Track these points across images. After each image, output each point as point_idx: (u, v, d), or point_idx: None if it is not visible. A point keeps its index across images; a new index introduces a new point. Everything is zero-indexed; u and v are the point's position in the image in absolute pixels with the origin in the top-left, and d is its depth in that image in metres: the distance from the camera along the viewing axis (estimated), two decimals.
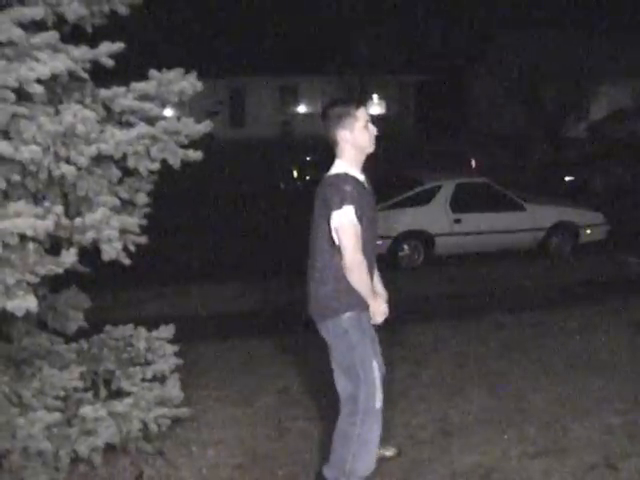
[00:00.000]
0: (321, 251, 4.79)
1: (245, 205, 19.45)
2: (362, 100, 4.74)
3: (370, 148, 4.81)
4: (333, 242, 4.67)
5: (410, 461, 5.52)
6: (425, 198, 13.76)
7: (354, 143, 4.74)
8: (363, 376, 4.75)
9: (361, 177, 4.81)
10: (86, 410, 4.91)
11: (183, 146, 4.86)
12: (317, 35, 42.81)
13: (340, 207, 4.54)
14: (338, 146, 4.79)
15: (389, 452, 5.47)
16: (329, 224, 4.64)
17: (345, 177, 4.66)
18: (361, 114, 4.73)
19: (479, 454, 5.64)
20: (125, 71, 5.64)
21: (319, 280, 4.83)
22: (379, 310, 4.86)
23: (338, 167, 4.78)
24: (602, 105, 37.75)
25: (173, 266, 13.26)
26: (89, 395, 5.10)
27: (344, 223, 4.56)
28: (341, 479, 4.87)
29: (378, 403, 4.78)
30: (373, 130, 4.79)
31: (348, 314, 4.75)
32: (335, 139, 4.78)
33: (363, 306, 4.78)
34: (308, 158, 22.53)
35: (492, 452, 5.67)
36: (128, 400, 5.08)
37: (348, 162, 4.76)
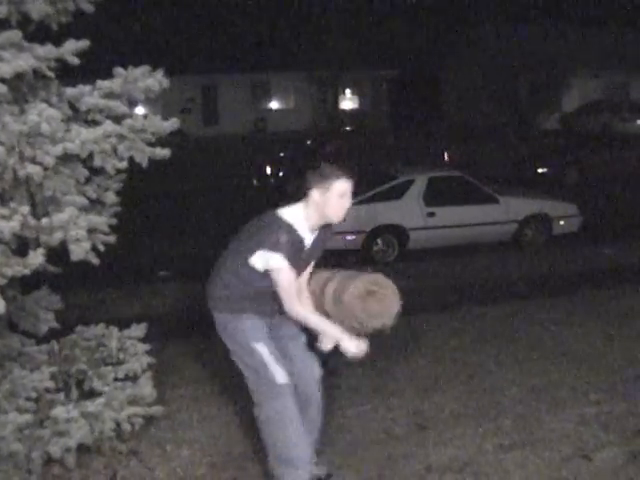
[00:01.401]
0: (234, 271, 4.83)
1: (217, 202, 19.38)
2: (350, 175, 4.67)
3: (335, 220, 4.71)
4: (249, 270, 4.74)
5: (385, 456, 5.50)
6: (398, 192, 13.75)
7: (318, 208, 4.64)
8: (250, 361, 4.82)
9: (308, 236, 4.75)
10: (58, 411, 4.87)
11: (151, 144, 4.82)
12: (288, 31, 42.76)
13: (271, 250, 4.58)
14: (307, 195, 4.70)
15: (320, 471, 5.06)
16: (251, 255, 4.69)
17: (288, 229, 4.64)
18: (339, 187, 4.60)
19: (454, 448, 5.64)
20: (91, 69, 5.58)
21: (221, 285, 4.89)
22: (353, 344, 4.78)
23: (291, 214, 4.73)
24: (574, 97, 37.97)
25: (145, 265, 13.22)
26: (61, 396, 5.07)
27: (278, 269, 4.62)
28: (279, 470, 4.89)
29: (279, 378, 4.76)
30: (345, 204, 4.65)
31: (231, 315, 4.87)
32: (307, 188, 4.69)
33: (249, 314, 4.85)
34: (281, 154, 22.50)
35: (467, 446, 5.68)
36: (100, 400, 5.05)
37: (304, 216, 4.70)
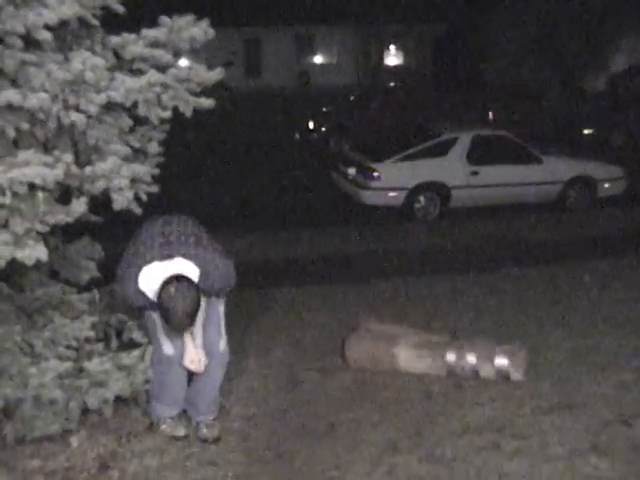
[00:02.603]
0: None
1: (260, 156, 19.33)
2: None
3: None
4: None
5: (423, 415, 5.49)
6: (442, 150, 13.62)
7: None
8: (148, 324, 5.04)
9: None
10: (94, 363, 4.88)
11: (195, 94, 4.77)
12: None
13: None
14: None
15: (179, 432, 5.22)
16: None
17: None
18: None
19: (492, 409, 5.60)
20: (136, 18, 5.53)
21: None
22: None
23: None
24: (623, 58, 37.26)
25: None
26: (100, 347, 5.08)
27: None
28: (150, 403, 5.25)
29: (168, 350, 4.94)
30: None
31: None
32: None
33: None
34: (324, 109, 22.36)
35: (505, 407, 5.64)
36: (135, 353, 5.05)
37: None
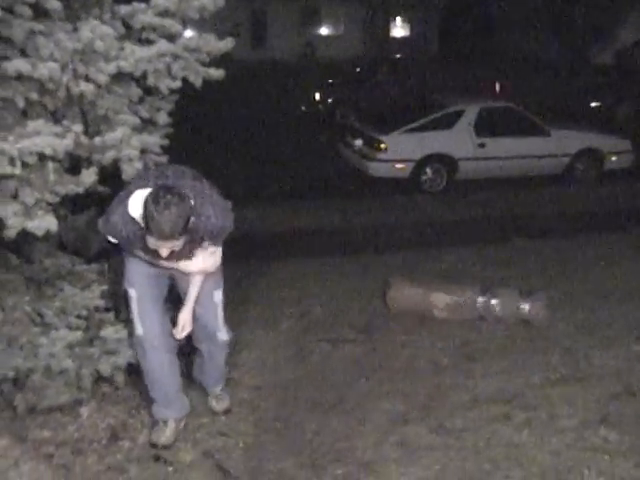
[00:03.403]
0: None
1: (265, 128, 19.25)
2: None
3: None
4: None
5: (433, 386, 5.51)
6: (449, 122, 13.57)
7: None
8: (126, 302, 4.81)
9: None
10: (107, 331, 4.89)
11: (204, 64, 4.74)
12: None
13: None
14: None
15: (160, 439, 4.81)
16: None
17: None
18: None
19: (502, 380, 5.62)
20: None
21: None
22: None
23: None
24: (631, 31, 37.03)
25: None
26: (111, 316, 5.07)
27: None
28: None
29: (138, 330, 4.66)
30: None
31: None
32: None
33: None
34: (330, 81, 22.25)
35: (515, 379, 5.66)
36: None
37: None
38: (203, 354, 5.04)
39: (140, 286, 4.64)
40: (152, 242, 4.04)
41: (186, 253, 4.28)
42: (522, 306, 6.71)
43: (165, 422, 4.80)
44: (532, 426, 5.00)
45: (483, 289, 6.86)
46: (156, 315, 4.68)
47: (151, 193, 3.96)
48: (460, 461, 4.60)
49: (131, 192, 4.17)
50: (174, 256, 4.22)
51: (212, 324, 4.86)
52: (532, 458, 4.64)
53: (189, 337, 4.86)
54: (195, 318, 4.77)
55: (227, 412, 5.12)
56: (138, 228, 4.10)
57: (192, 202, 4.07)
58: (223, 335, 4.91)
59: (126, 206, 4.13)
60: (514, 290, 6.90)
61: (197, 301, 4.71)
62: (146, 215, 3.93)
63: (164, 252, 4.10)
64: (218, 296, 4.85)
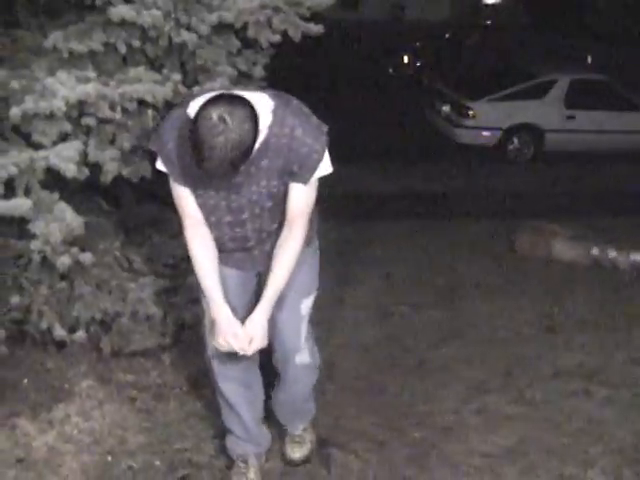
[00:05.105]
0: None
1: (353, 89, 19.13)
2: None
3: None
4: None
5: (514, 356, 5.46)
6: (539, 92, 13.39)
7: None
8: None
9: None
10: (193, 280, 4.93)
11: (305, 19, 4.71)
12: None
13: None
14: None
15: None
16: None
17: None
18: None
19: (584, 354, 5.55)
20: None
21: None
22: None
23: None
24: None
25: None
26: None
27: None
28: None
29: (208, 350, 3.67)
30: None
31: None
32: None
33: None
34: (418, 44, 22.05)
35: (597, 354, 5.59)
36: None
37: None
38: (281, 379, 3.93)
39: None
40: (203, 168, 2.87)
41: (258, 183, 3.15)
42: (635, 257, 7.39)
43: (245, 461, 3.93)
44: (613, 403, 4.92)
45: (600, 240, 7.61)
46: None
47: (203, 108, 2.81)
48: (539, 433, 4.54)
49: (186, 102, 3.14)
50: (241, 187, 3.15)
51: (292, 341, 3.71)
52: (612, 435, 4.56)
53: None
54: (275, 329, 3.59)
55: (305, 462, 4.14)
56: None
57: (272, 106, 3.03)
58: (303, 357, 3.78)
59: (186, 105, 3.09)
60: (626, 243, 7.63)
61: (279, 306, 3.46)
62: (192, 140, 2.84)
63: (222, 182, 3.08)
64: (307, 306, 3.68)
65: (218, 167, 2.82)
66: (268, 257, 3.35)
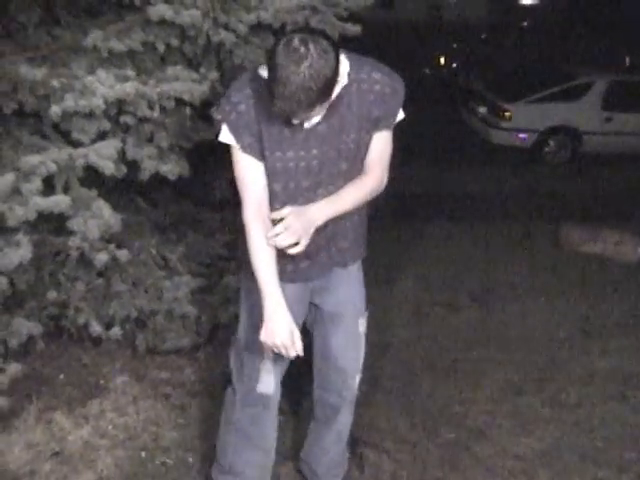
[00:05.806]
0: None
1: None
2: None
3: None
4: None
5: (548, 358, 5.43)
6: (576, 93, 13.26)
7: None
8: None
9: None
10: (228, 280, 4.96)
11: (342, 19, 4.72)
12: None
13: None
14: None
15: None
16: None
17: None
18: None
19: (619, 358, 5.52)
20: None
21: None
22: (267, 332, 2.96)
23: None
24: None
25: None
26: (232, 265, 5.14)
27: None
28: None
29: (263, 387, 3.36)
30: None
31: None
32: None
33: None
34: (455, 45, 21.98)
35: (632, 358, 5.54)
36: None
37: None
38: (317, 415, 3.62)
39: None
40: (279, 105, 2.57)
41: (340, 135, 2.91)
42: None
43: None
44: None
45: None
46: (280, 367, 3.36)
47: (283, 40, 2.54)
48: (573, 436, 4.53)
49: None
50: (324, 140, 2.90)
51: (353, 364, 3.47)
52: None
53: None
54: (323, 355, 3.43)
55: None
56: (266, 94, 2.62)
57: (346, 54, 2.87)
58: (356, 381, 3.53)
59: (254, 70, 2.91)
60: None
61: (336, 328, 3.37)
62: (269, 75, 2.56)
63: (298, 124, 2.81)
64: (364, 324, 3.55)
65: (295, 96, 2.52)
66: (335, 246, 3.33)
